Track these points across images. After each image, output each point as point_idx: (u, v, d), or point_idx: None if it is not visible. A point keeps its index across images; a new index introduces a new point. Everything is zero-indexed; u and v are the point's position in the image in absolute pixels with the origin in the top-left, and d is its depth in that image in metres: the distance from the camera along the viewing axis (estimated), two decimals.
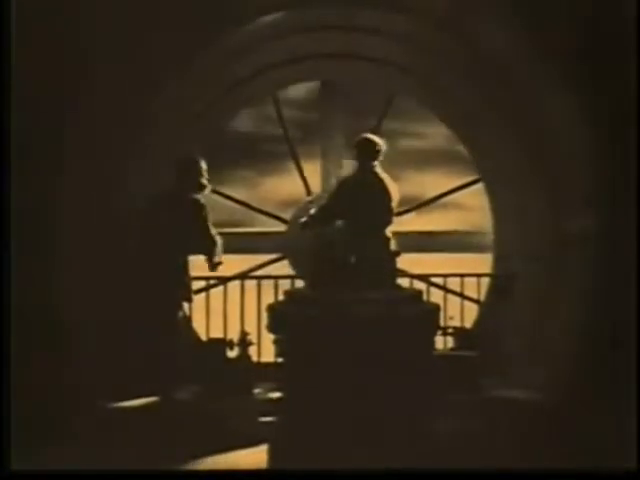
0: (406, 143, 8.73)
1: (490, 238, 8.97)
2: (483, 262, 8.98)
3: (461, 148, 9.11)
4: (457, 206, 9.55)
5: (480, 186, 9.07)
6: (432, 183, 9.38)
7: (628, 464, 5.09)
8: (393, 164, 6.56)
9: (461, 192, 9.37)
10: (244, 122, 9.29)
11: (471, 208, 9.42)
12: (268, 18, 7.59)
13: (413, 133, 9.18)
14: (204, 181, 7.15)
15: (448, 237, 9.34)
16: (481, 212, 9.10)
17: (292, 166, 9.33)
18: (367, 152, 6.33)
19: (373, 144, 6.34)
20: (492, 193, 8.90)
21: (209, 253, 7.12)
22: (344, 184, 6.38)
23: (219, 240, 7.13)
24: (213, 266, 7.19)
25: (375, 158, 6.32)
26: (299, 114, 9.54)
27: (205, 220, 7.08)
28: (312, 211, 6.63)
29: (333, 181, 7.03)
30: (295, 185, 9.20)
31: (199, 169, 7.13)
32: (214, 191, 7.77)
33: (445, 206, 9.50)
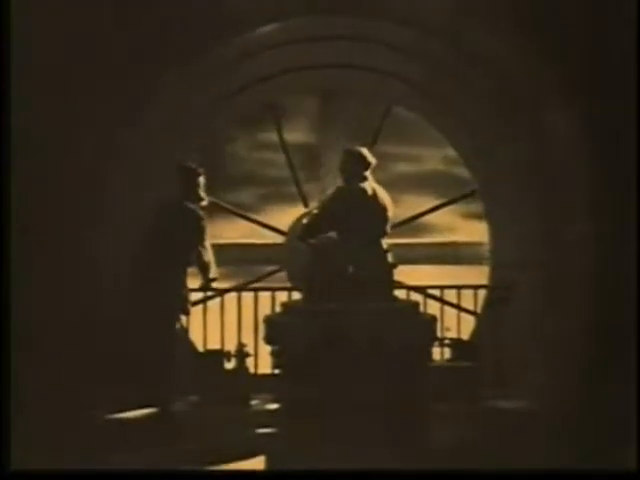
0: (402, 168, 8.79)
1: (487, 249, 8.98)
2: (480, 274, 8.99)
3: (458, 170, 9.15)
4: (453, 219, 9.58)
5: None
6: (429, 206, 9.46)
7: (628, 464, 5.09)
8: (390, 188, 6.59)
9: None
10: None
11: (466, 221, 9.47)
12: (267, 28, 7.63)
13: (409, 156, 9.22)
14: (202, 193, 7.17)
15: (445, 248, 9.35)
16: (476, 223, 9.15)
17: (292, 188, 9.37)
18: (358, 164, 6.36)
19: (362, 156, 6.38)
20: (489, 202, 8.91)
21: (204, 268, 7.14)
22: (338, 194, 6.40)
23: (212, 257, 7.16)
24: (207, 282, 7.21)
25: (366, 169, 6.36)
26: (297, 126, 9.57)
27: (202, 233, 7.09)
28: (305, 221, 6.65)
29: (329, 192, 7.03)
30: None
31: (198, 179, 7.14)
32: (212, 203, 7.81)
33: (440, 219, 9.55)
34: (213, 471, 5.65)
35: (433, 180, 9.50)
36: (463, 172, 9.19)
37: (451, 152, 9.26)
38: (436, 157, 9.50)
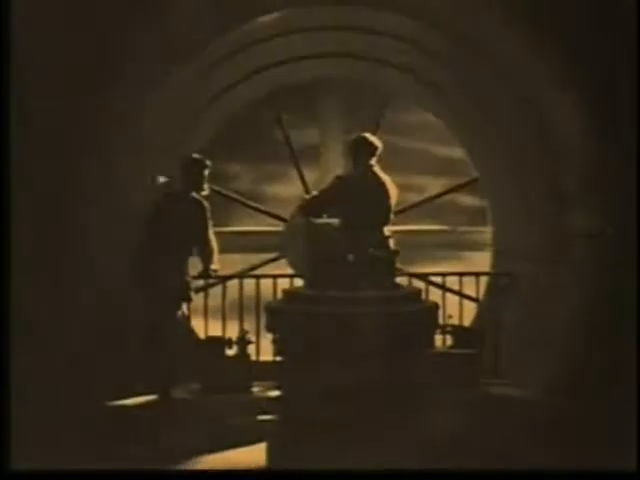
0: (405, 197, 8.83)
1: (489, 236, 8.98)
2: (482, 260, 8.99)
3: (461, 198, 9.22)
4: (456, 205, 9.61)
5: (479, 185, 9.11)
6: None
7: (628, 464, 5.08)
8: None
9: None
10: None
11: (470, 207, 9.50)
12: (266, 18, 7.60)
13: (411, 185, 9.27)
14: (205, 185, 7.20)
15: (447, 235, 9.35)
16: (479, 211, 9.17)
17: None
18: (363, 151, 6.33)
19: (369, 143, 6.34)
20: (492, 191, 8.91)
21: (206, 259, 7.14)
22: (340, 179, 6.39)
23: (215, 248, 7.16)
24: (207, 272, 7.21)
25: (371, 157, 6.32)
26: (297, 115, 9.54)
27: (206, 223, 7.09)
28: (307, 197, 6.65)
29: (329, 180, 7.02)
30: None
31: (204, 170, 7.16)
32: (212, 190, 7.79)
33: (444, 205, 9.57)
34: (213, 471, 5.63)
35: (437, 208, 9.52)
36: (466, 199, 9.26)
37: (453, 180, 9.30)
38: (439, 186, 9.53)
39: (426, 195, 9.56)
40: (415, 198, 9.46)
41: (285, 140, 9.29)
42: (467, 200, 9.46)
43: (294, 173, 9.34)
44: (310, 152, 9.36)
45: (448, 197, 9.55)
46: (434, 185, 9.54)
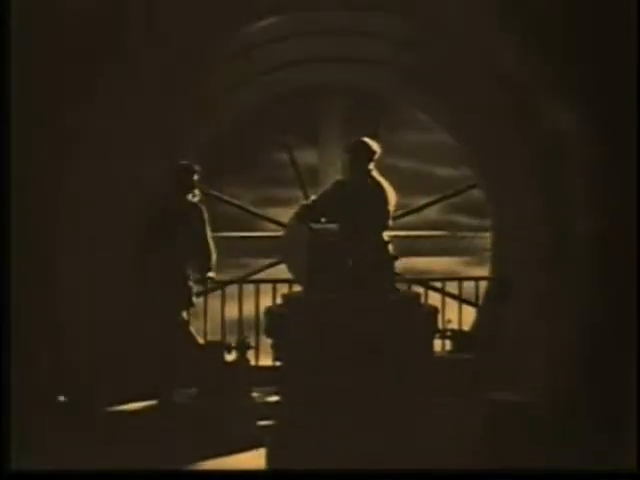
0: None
1: (488, 242, 8.97)
2: (481, 265, 8.99)
3: (457, 218, 9.26)
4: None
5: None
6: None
7: (628, 464, 5.08)
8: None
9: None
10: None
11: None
12: (266, 22, 7.61)
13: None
14: (196, 189, 7.25)
15: (446, 240, 9.35)
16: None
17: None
18: (361, 155, 6.32)
19: (367, 147, 6.34)
20: (491, 195, 8.91)
21: (204, 262, 7.15)
22: (339, 184, 6.39)
23: (214, 252, 7.17)
24: (204, 279, 7.22)
25: (370, 161, 6.32)
26: (296, 119, 9.54)
27: (204, 227, 7.11)
28: (306, 201, 6.66)
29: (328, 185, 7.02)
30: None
31: (194, 175, 7.21)
32: (215, 196, 7.81)
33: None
34: (212, 471, 5.64)
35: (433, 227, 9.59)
36: (462, 219, 9.28)
37: (452, 200, 9.41)
38: (434, 206, 9.58)
39: (425, 217, 9.57)
40: (413, 218, 9.47)
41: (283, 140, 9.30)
42: (464, 220, 9.50)
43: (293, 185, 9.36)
44: (309, 152, 9.36)
45: (447, 218, 9.59)
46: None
